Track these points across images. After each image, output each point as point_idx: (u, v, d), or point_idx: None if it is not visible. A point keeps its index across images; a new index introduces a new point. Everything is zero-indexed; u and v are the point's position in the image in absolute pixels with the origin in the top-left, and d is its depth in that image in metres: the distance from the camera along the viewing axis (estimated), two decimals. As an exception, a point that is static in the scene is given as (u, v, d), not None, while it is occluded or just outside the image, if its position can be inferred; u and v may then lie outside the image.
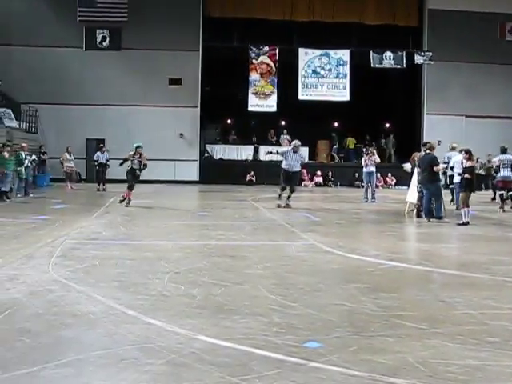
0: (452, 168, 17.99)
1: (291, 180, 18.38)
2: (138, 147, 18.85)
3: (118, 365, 4.39)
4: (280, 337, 5.07)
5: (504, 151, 18.98)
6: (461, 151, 15.73)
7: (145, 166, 18.41)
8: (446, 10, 32.73)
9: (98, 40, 31.53)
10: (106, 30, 31.45)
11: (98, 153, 26.36)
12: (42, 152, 29.56)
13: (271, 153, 21.91)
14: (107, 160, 25.95)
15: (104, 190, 25.05)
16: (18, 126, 28.39)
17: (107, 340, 4.97)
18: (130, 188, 17.90)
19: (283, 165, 18.26)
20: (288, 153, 18.41)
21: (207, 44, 32.43)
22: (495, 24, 33.57)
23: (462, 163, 15.25)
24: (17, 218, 14.24)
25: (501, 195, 18.63)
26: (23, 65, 30.95)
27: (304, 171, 31.99)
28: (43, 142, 30.71)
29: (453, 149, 18.88)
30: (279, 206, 17.81)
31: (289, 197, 18.16)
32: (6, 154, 19.82)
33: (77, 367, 4.33)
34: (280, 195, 18.25)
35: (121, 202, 17.80)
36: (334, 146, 34.95)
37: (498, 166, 19.11)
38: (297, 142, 18.56)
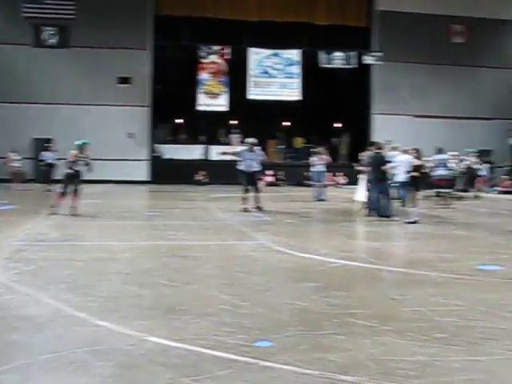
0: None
1: (252, 181, 17.43)
2: (84, 144, 17.33)
3: (67, 368, 4.33)
4: (231, 336, 5.07)
5: (439, 151, 20.23)
6: (405, 151, 15.97)
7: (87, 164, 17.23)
8: (395, 11, 33.18)
9: (46, 37, 30.95)
10: (54, 28, 30.90)
11: (45, 152, 25.63)
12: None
13: (226, 153, 21.42)
14: (55, 160, 25.22)
15: (51, 190, 24.36)
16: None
17: (56, 343, 4.90)
18: (63, 194, 15.88)
19: (240, 166, 17.49)
20: (243, 152, 17.65)
21: (157, 43, 32.18)
22: (442, 26, 34.18)
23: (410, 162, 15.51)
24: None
25: (438, 193, 19.44)
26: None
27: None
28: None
29: (394, 149, 19.04)
30: (246, 210, 16.75)
31: (257, 198, 17.37)
32: None
33: (25, 372, 4.26)
34: (244, 198, 17.18)
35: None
36: (280, 146, 34.99)
37: (435, 166, 19.81)
38: (251, 140, 17.87)
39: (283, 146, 35.02)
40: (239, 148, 18.76)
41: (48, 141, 28.83)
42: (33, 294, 6.46)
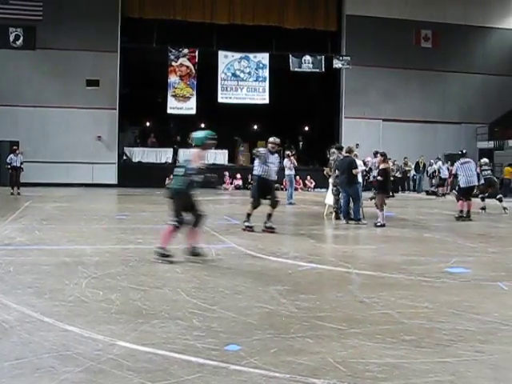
0: None
1: (270, 191, 13.49)
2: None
3: (34, 374, 4.28)
4: (200, 340, 5.06)
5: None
6: (376, 154, 16.17)
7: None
8: (364, 15, 33.50)
9: (11, 39, 30.59)
10: (20, 29, 30.56)
11: (12, 155, 25.31)
12: None
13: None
14: (21, 163, 25.08)
15: (18, 193, 24.08)
16: None
17: (22, 349, 4.83)
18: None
19: (258, 171, 13.33)
20: (267, 154, 13.45)
21: (126, 45, 32.10)
22: (411, 30, 34.57)
23: (376, 166, 15.70)
24: None
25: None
26: None
27: (227, 173, 32.10)
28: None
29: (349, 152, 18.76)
30: (250, 230, 13.12)
31: (269, 215, 13.51)
32: None
33: (-11, 378, 4.20)
34: (249, 215, 13.38)
35: None
36: (240, 149, 34.85)
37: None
38: (272, 140, 13.70)
39: (242, 149, 34.85)
40: (262, 149, 14.19)
41: (15, 143, 28.57)
42: (-2, 299, 6.37)
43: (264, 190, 13.32)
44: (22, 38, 30.60)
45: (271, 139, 13.63)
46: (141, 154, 33.35)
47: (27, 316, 5.75)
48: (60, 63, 31.05)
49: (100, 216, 16.20)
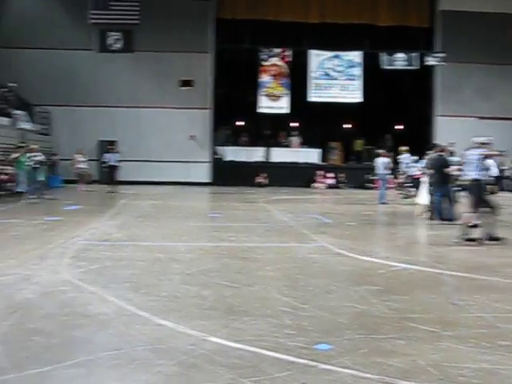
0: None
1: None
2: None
3: (129, 365, 4.41)
4: (291, 338, 5.07)
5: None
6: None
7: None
8: (458, 10, 32.55)
9: (111, 42, 31.60)
10: (119, 33, 31.51)
11: (107, 154, 26.08)
12: (53, 153, 29.74)
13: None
14: (117, 161, 25.61)
15: (114, 192, 24.47)
16: (31, 128, 28.54)
17: (119, 341, 4.99)
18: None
19: (479, 174, 11.41)
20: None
21: (219, 46, 32.44)
22: (508, 24, 33.34)
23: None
24: (30, 218, 14.31)
25: None
26: (36, 67, 31.10)
27: (318, 173, 32.03)
28: (56, 143, 30.88)
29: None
30: (479, 242, 11.14)
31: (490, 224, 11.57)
32: (16, 154, 20.08)
33: (88, 367, 4.36)
34: (473, 225, 11.58)
35: None
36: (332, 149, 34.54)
37: None
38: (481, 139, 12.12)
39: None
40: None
41: (111, 143, 29.44)
42: (97, 293, 6.59)
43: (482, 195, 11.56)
44: (120, 42, 31.53)
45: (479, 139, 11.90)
46: (233, 153, 33.64)
47: (124, 309, 5.93)
48: (155, 65, 31.78)
49: (193, 214, 16.47)
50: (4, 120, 25.79)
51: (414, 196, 22.30)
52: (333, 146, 34.51)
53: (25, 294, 6.50)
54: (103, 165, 26.25)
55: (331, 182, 32.16)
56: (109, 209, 17.03)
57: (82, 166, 26.76)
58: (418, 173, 22.43)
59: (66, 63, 31.37)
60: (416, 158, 22.94)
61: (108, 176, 25.77)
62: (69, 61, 31.40)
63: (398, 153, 23.51)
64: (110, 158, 25.62)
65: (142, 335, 5.10)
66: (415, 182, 22.63)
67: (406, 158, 23.06)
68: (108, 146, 27.93)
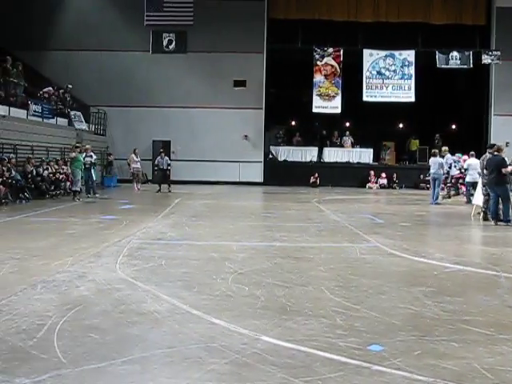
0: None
1: None
2: None
3: (182, 363, 4.44)
4: (343, 339, 5.05)
5: None
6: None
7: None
8: (516, 7, 31.90)
9: (165, 43, 31.89)
10: (173, 34, 31.77)
11: (159, 158, 26.21)
12: (109, 153, 30.24)
13: None
14: (168, 165, 25.94)
15: (170, 191, 24.82)
16: (87, 128, 29.09)
17: (172, 338, 5.04)
18: None
19: None
20: None
21: (272, 46, 32.50)
22: None
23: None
24: (85, 217, 14.58)
25: None
26: (92, 68, 31.72)
27: (372, 173, 31.80)
28: (111, 143, 31.41)
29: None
30: None
31: None
32: (73, 154, 20.50)
33: (142, 364, 4.41)
34: None
35: None
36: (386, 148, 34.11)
37: None
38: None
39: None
40: None
41: (166, 143, 29.82)
42: (151, 291, 6.67)
43: None
44: (174, 43, 31.80)
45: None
46: (286, 153, 33.63)
47: (177, 308, 5.99)
48: (208, 65, 32.03)
49: (246, 213, 16.53)
50: (61, 120, 26.38)
51: (456, 195, 22.36)
52: (388, 145, 34.22)
53: (81, 291, 6.62)
54: (155, 168, 26.81)
55: (384, 182, 31.88)
56: (162, 208, 17.21)
57: (136, 165, 27.07)
58: (458, 173, 22.64)
59: (120, 64, 31.91)
60: (456, 158, 22.82)
61: (161, 178, 26.08)
62: (124, 62, 31.93)
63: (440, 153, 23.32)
64: (161, 162, 25.86)
65: (195, 333, 5.14)
66: (455, 183, 23.07)
67: (447, 158, 23.02)
68: (159, 149, 27.98)
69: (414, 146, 34.55)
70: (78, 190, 20.41)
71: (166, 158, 26.22)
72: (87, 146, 22.40)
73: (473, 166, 20.52)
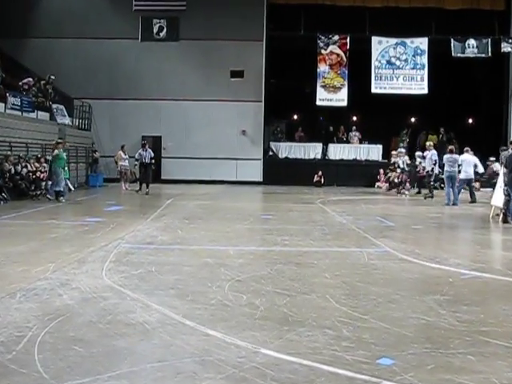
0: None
1: None
2: None
3: (175, 378, 4.43)
4: (350, 352, 5.04)
5: None
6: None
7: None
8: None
9: (155, 30, 31.95)
10: (163, 20, 31.82)
11: (141, 151, 24.85)
12: (94, 150, 30.20)
13: None
14: (151, 159, 24.83)
15: (147, 193, 23.62)
16: (70, 123, 29.05)
17: (163, 351, 5.03)
18: None
19: None
20: None
21: (272, 33, 32.43)
22: None
23: None
24: (69, 219, 14.58)
25: None
26: (76, 58, 31.67)
27: (381, 171, 31.75)
28: (96, 139, 31.39)
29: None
30: None
31: None
32: (56, 151, 20.44)
33: (131, 379, 4.40)
34: None
35: None
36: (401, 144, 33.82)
37: None
38: None
39: (405, 145, 34.04)
40: None
41: (158, 139, 29.80)
42: (140, 299, 6.66)
43: None
44: (165, 30, 31.86)
45: None
46: (288, 150, 33.56)
47: (169, 318, 5.98)
48: (202, 54, 31.97)
49: (244, 215, 16.52)
50: (42, 114, 26.32)
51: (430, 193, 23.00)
52: (404, 135, 34.06)
53: (64, 300, 6.61)
54: (135, 163, 25.26)
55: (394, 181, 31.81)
56: (153, 210, 17.21)
57: (124, 163, 26.99)
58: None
59: (107, 53, 31.87)
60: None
61: (142, 175, 25.10)
62: (111, 51, 31.89)
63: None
64: (144, 156, 24.63)
65: (188, 346, 5.13)
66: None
67: (433, 154, 23.82)
68: (143, 141, 26.57)
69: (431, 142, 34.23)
70: (61, 189, 20.34)
71: (150, 150, 25.01)
72: (59, 141, 22.15)
73: (467, 162, 21.19)
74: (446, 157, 21.39)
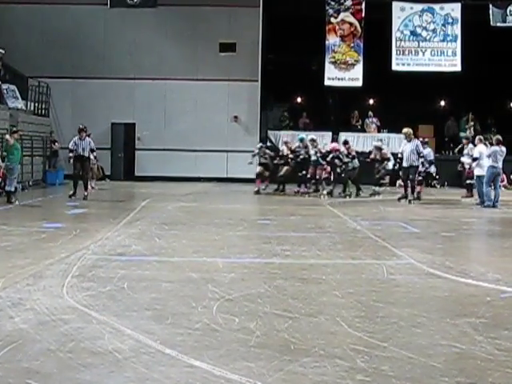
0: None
1: None
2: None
3: (152, 420, 4.44)
4: (366, 387, 5.05)
5: None
6: None
7: None
8: None
9: (127, -6, 31.85)
10: (138, -19, 31.78)
11: (75, 139, 22.38)
12: (53, 140, 30.07)
13: None
14: (91, 150, 22.58)
15: (85, 197, 21.48)
16: (24, 107, 28.93)
17: (138, 387, 5.03)
18: None
19: None
20: None
21: (270, -2, 32.42)
22: None
23: None
24: (23, 225, 14.55)
25: None
26: (31, 28, 31.61)
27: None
28: (56, 127, 31.30)
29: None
30: None
31: None
32: (11, 140, 20.29)
33: (99, 422, 4.40)
34: None
35: None
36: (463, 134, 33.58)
37: None
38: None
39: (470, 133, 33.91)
40: None
41: (131, 126, 29.75)
42: (109, 323, 6.66)
43: None
44: (140, -7, 31.78)
45: None
46: (289, 139, 33.42)
47: (144, 345, 5.97)
48: (186, 23, 31.93)
49: (236, 220, 16.53)
50: (-11, 97, 26.25)
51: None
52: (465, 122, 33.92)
53: (16, 324, 6.60)
54: (70, 154, 22.58)
55: (419, 177, 31.82)
56: (125, 213, 17.20)
57: (90, 156, 26.87)
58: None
59: (69, 22, 31.82)
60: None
61: (77, 173, 22.67)
62: (74, 19, 31.85)
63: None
64: (79, 145, 22.32)
65: (168, 380, 5.13)
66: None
67: (417, 145, 23.12)
68: (80, 126, 23.08)
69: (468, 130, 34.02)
70: (12, 189, 20.19)
71: (89, 139, 22.77)
72: (15, 129, 22.04)
73: (485, 154, 21.39)
74: (493, 149, 21.24)
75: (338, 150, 24.26)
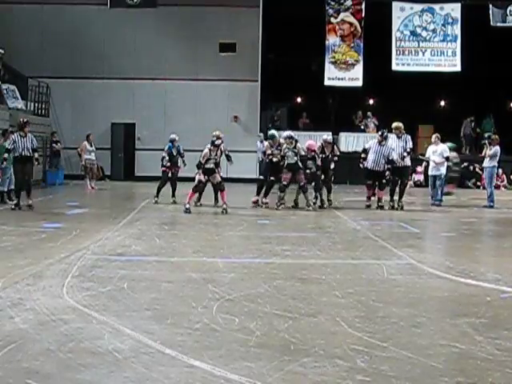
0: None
1: None
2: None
3: (152, 420, 4.44)
4: (366, 387, 5.05)
5: None
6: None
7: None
8: None
9: (128, -5, 31.83)
10: (138, -18, 31.77)
11: (15, 136, 18.70)
12: (55, 141, 30.08)
13: None
14: (33, 150, 18.81)
15: (30, 205, 18.34)
16: (24, 107, 28.92)
17: (138, 387, 5.03)
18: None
19: None
20: None
21: (270, -2, 32.40)
22: None
23: None
24: (22, 225, 14.54)
25: None
26: (31, 28, 31.57)
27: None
28: (56, 127, 31.28)
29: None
30: None
31: None
32: (6, 143, 20.11)
33: (98, 422, 4.40)
34: None
35: None
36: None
37: None
38: None
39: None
40: None
41: (131, 127, 29.68)
42: (109, 323, 6.65)
43: None
44: (140, -6, 31.75)
45: None
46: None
47: (144, 345, 5.97)
48: (186, 23, 31.91)
49: (236, 220, 16.51)
50: (-12, 97, 26.22)
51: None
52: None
53: (16, 324, 6.59)
54: (16, 155, 18.52)
55: (420, 178, 31.84)
56: (125, 213, 17.19)
57: (90, 156, 26.88)
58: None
59: (70, 23, 31.81)
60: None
61: (19, 177, 18.85)
62: (74, 20, 31.83)
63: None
64: (20, 144, 18.51)
65: (168, 380, 5.12)
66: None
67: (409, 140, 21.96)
68: (22, 119, 19.70)
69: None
70: (5, 189, 20.05)
71: (32, 136, 19.27)
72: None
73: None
74: (496, 149, 21.20)
75: (313, 151, 20.91)
